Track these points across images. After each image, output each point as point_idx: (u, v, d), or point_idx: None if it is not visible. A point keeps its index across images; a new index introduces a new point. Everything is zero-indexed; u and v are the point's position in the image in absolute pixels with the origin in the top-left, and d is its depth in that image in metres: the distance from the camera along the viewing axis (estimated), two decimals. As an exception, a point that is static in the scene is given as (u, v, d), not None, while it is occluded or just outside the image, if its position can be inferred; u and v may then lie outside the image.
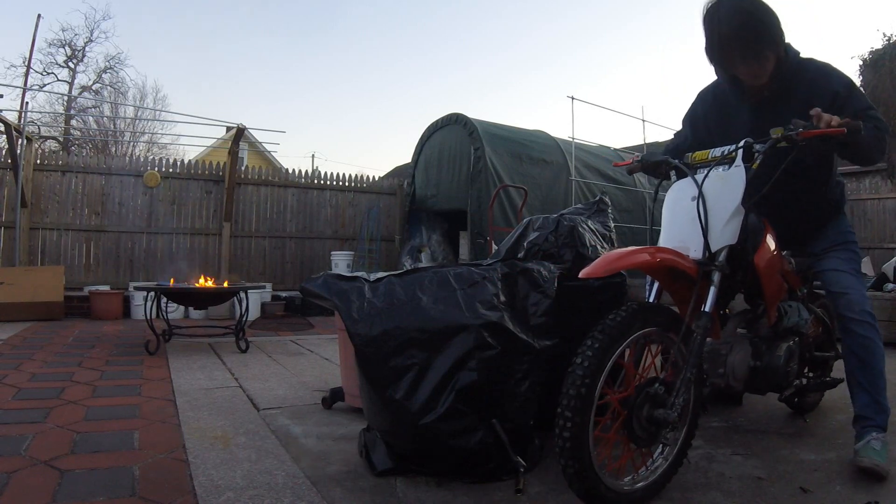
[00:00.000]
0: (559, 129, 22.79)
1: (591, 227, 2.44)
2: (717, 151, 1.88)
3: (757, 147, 1.79)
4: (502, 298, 1.98)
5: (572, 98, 8.29)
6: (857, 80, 9.80)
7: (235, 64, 41.56)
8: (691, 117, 2.29)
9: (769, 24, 1.84)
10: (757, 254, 1.86)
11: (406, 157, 23.09)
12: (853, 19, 41.12)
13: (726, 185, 1.79)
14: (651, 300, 1.87)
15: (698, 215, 1.76)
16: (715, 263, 1.74)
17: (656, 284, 1.90)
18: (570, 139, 8.22)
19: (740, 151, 1.80)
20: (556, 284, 2.01)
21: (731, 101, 2.11)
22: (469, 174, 7.33)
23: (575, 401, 1.48)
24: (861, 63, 9.78)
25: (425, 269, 2.10)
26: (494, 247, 4.22)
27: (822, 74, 1.95)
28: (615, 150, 9.60)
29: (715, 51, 1.92)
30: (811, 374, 2.46)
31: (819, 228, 2.20)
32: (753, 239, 1.87)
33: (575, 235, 2.30)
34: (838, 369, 2.28)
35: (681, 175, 1.96)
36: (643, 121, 9.62)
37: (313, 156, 40.97)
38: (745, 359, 1.95)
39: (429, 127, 8.34)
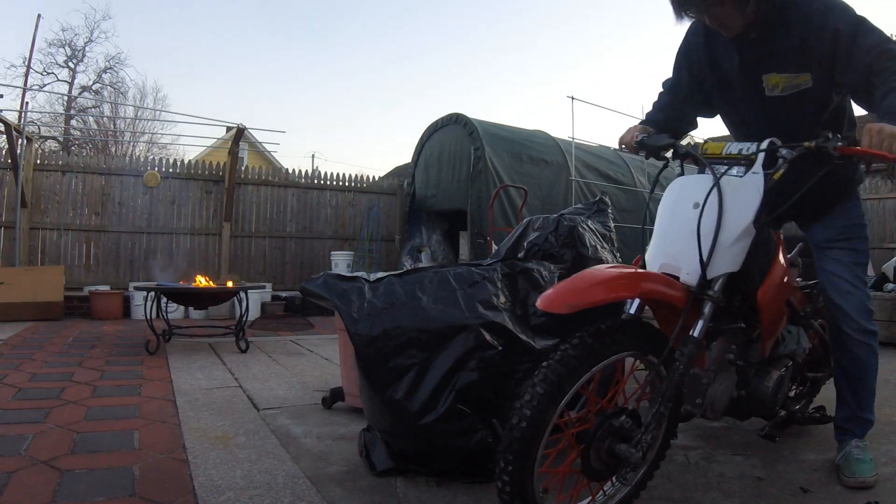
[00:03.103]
0: (559, 129, 22.78)
1: (591, 227, 2.44)
2: (734, 148, 1.57)
3: (783, 152, 1.50)
4: (502, 298, 1.98)
5: (572, 98, 8.28)
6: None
7: (235, 63, 41.60)
8: (685, 52, 1.99)
9: None
10: (763, 288, 1.57)
11: (406, 157, 23.07)
12: (853, 19, 41.08)
13: (739, 196, 1.48)
14: (632, 312, 1.59)
15: (696, 228, 1.46)
16: (708, 293, 1.46)
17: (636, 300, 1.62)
18: (570, 139, 8.22)
19: (761, 155, 1.49)
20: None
21: (720, 41, 1.83)
22: (469, 174, 7.33)
23: (518, 443, 1.27)
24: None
25: (425, 269, 2.10)
26: (494, 247, 4.22)
27: (819, 10, 1.65)
28: (615, 150, 9.59)
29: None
30: (798, 391, 2.32)
31: (826, 210, 1.94)
32: (762, 264, 1.57)
33: (575, 235, 2.30)
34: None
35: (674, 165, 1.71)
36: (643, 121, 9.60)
37: (313, 156, 40.90)
38: (728, 391, 1.70)
39: (429, 127, 8.34)
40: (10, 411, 2.53)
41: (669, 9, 1.71)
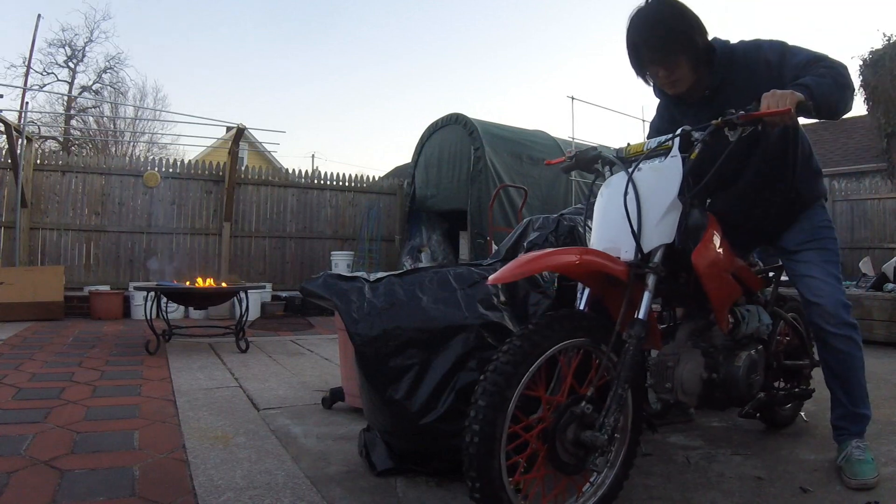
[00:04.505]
0: (559, 129, 22.78)
1: (592, 227, 2.44)
2: (653, 142, 1.74)
3: (696, 135, 1.66)
4: (502, 298, 1.98)
5: (572, 98, 8.31)
6: (857, 81, 9.80)
7: (235, 64, 41.59)
8: (655, 123, 2.16)
9: (679, 31, 1.77)
10: (695, 252, 1.64)
11: (406, 157, 23.08)
12: (853, 19, 41.15)
13: (661, 177, 1.63)
14: (581, 307, 1.68)
15: (625, 211, 1.60)
16: (648, 265, 1.56)
17: (587, 290, 1.71)
18: (570, 139, 8.22)
19: (676, 140, 1.67)
20: (555, 285, 2.01)
21: (677, 106, 2.03)
22: (469, 174, 7.33)
23: (476, 460, 1.30)
24: (861, 63, 9.78)
25: (425, 269, 2.10)
26: (494, 247, 4.22)
27: (751, 51, 1.86)
28: (615, 150, 9.59)
29: (631, 59, 1.87)
30: (786, 386, 2.33)
31: (791, 222, 2.03)
32: (694, 236, 1.69)
33: (575, 235, 2.30)
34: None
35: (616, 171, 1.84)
36: (643, 121, 9.63)
37: (313, 156, 41.02)
38: (696, 371, 1.75)
39: (429, 127, 8.34)
40: (10, 411, 2.53)
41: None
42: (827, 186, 2.17)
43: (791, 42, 1.86)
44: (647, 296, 1.54)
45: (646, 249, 1.59)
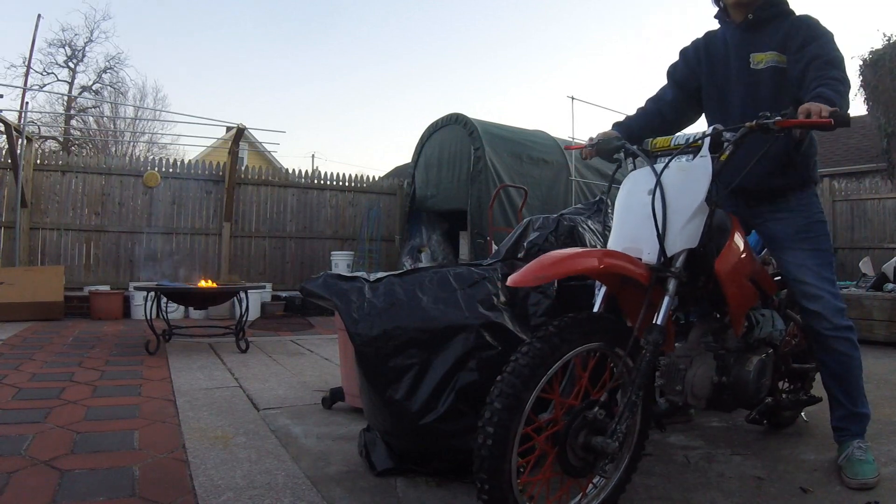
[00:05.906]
0: (559, 129, 22.79)
1: (592, 227, 2.44)
2: (681, 138, 1.68)
3: (727, 136, 1.61)
4: (502, 298, 1.98)
5: (572, 98, 8.30)
6: (857, 81, 9.80)
7: (235, 64, 41.58)
8: (684, 56, 2.18)
9: None
10: (719, 259, 1.62)
11: (406, 157, 23.10)
12: (853, 19, 41.16)
13: (689, 178, 1.58)
14: (597, 308, 1.65)
15: (653, 213, 1.54)
16: (670, 270, 1.52)
17: (602, 290, 1.67)
18: (571, 139, 8.22)
19: (707, 140, 1.61)
20: (555, 284, 2.01)
21: (717, 37, 2.09)
22: (469, 174, 7.33)
23: (488, 461, 1.28)
24: (861, 63, 9.78)
25: (425, 269, 2.10)
26: (494, 247, 4.22)
27: (803, 21, 1.92)
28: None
29: None
30: (790, 388, 2.33)
31: (781, 195, 1.99)
32: (717, 240, 1.65)
33: (575, 235, 2.30)
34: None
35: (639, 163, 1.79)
36: (643, 121, 9.62)
37: (313, 156, 41.03)
38: (707, 374, 1.74)
39: (429, 127, 8.34)
40: (10, 411, 2.53)
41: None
42: (826, 186, 2.19)
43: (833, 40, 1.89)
44: (666, 300, 1.51)
45: (669, 253, 1.54)
